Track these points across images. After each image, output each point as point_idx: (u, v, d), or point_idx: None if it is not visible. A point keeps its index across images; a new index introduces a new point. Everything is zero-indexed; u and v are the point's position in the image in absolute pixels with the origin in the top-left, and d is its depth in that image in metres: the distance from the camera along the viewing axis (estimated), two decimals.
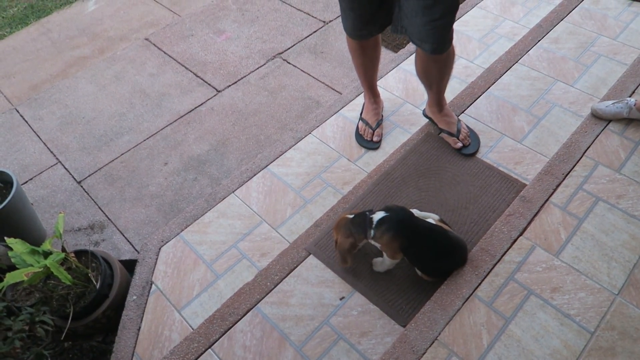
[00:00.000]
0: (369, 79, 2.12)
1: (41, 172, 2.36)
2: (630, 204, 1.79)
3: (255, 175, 2.13)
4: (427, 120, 2.20)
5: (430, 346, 1.49)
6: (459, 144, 2.05)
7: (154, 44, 3.04)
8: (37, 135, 2.54)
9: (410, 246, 1.58)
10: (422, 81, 2.01)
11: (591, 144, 1.99)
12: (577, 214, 1.77)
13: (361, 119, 2.22)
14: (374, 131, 2.16)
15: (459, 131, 2.06)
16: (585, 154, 1.96)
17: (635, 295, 1.56)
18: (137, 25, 3.24)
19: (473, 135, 2.10)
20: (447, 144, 2.11)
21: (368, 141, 2.16)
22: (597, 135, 2.02)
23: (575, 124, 2.11)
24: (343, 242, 1.62)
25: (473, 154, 2.05)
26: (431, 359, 1.46)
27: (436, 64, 1.84)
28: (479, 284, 1.62)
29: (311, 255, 1.80)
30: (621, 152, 1.95)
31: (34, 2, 3.54)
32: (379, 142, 2.17)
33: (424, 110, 2.20)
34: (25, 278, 1.50)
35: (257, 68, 2.81)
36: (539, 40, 2.56)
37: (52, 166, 2.38)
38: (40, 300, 1.63)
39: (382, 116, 2.25)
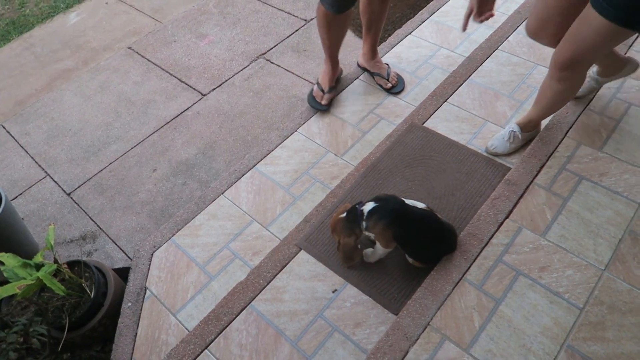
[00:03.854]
0: (334, 51, 2.29)
1: (30, 187, 2.36)
2: (613, 180, 1.81)
3: (243, 175, 2.15)
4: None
5: (423, 332, 1.50)
6: (389, 84, 2.37)
7: (137, 52, 3.04)
8: (25, 150, 2.54)
9: (403, 233, 1.59)
10: (365, 22, 2.27)
11: (572, 124, 2.01)
12: (561, 194, 1.80)
13: (317, 83, 2.41)
14: (323, 94, 2.35)
15: (389, 74, 2.38)
16: (567, 134, 1.98)
17: (622, 270, 1.58)
18: (119, 34, 3.25)
19: (400, 79, 2.42)
20: (432, 134, 2.13)
21: (318, 103, 2.37)
22: (578, 116, 2.04)
23: None
24: (347, 242, 1.63)
25: (400, 92, 2.39)
26: (424, 344, 1.48)
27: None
28: (468, 268, 1.64)
29: (302, 251, 1.82)
30: (602, 131, 1.98)
31: (15, 18, 3.53)
32: (328, 105, 2.37)
33: (357, 62, 2.51)
34: (18, 291, 1.50)
35: (241, 70, 2.82)
36: (518, 26, 2.58)
37: (41, 180, 2.39)
38: (35, 312, 1.64)
39: (335, 84, 2.42)
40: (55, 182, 2.37)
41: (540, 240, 1.68)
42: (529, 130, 1.99)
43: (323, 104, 2.34)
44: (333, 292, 1.70)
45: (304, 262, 1.79)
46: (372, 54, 2.42)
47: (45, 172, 2.43)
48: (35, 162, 2.48)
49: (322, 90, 2.34)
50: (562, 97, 1.78)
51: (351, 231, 1.62)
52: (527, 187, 1.83)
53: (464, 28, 1.58)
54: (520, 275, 1.60)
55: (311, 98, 2.38)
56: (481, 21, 1.57)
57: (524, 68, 2.37)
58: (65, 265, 1.75)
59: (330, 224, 1.70)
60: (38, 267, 1.64)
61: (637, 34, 2.21)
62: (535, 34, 1.73)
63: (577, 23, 1.49)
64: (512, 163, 1.99)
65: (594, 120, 2.03)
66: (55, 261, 1.71)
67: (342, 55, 2.81)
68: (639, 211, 1.72)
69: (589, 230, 1.69)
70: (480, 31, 2.65)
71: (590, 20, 1.41)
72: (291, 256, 1.80)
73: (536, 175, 1.86)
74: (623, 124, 2.00)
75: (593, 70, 2.04)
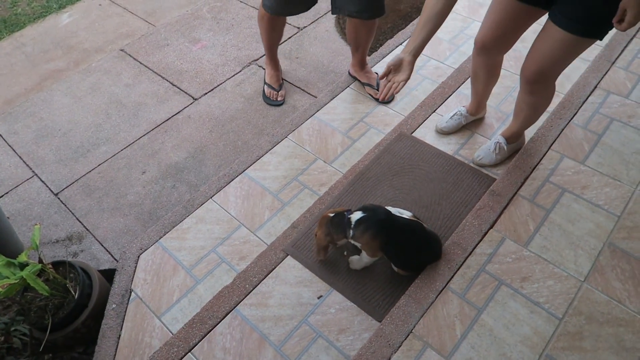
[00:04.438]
0: (273, 51, 2.56)
1: (17, 186, 2.35)
2: (595, 194, 1.86)
3: (232, 180, 2.16)
4: (403, 121, 2.29)
5: (405, 339, 1.52)
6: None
7: (130, 55, 3.05)
8: (13, 149, 2.53)
9: (389, 243, 1.61)
10: (352, 44, 2.42)
11: (557, 137, 2.06)
12: (544, 206, 1.84)
13: (266, 83, 2.66)
14: (278, 92, 2.62)
15: (378, 84, 2.44)
16: (551, 147, 2.03)
17: (600, 281, 1.62)
18: (112, 36, 3.25)
19: None
20: (420, 143, 2.17)
21: (274, 101, 2.63)
22: (562, 130, 2.09)
23: (541, 119, 2.18)
24: (321, 239, 1.66)
25: (390, 101, 2.44)
26: (406, 351, 1.50)
27: (366, 27, 2.26)
28: (452, 276, 1.66)
29: (289, 256, 1.83)
30: (585, 145, 2.03)
31: (6, 17, 3.52)
32: (283, 100, 2.64)
33: (349, 70, 2.59)
34: (1, 290, 1.49)
35: (233, 75, 2.84)
36: None
37: (28, 179, 2.37)
38: (17, 312, 1.62)
39: (283, 80, 2.71)
40: (43, 182, 2.36)
41: (523, 250, 1.71)
42: (514, 141, 2.04)
43: (279, 100, 2.62)
44: (318, 298, 1.71)
45: (290, 267, 1.80)
46: (361, 66, 2.51)
47: (33, 171, 2.41)
48: (23, 161, 2.47)
49: (274, 89, 2.63)
50: (538, 108, 1.85)
51: (328, 231, 1.64)
52: (512, 198, 1.87)
53: (382, 98, 1.53)
54: (502, 284, 1.63)
55: (266, 98, 2.65)
56: (383, 98, 1.53)
57: (510, 81, 2.42)
58: (50, 266, 1.74)
59: (320, 217, 1.72)
60: (22, 266, 1.63)
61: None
62: (487, 48, 1.80)
63: (540, 39, 1.58)
64: (498, 174, 2.03)
65: (577, 134, 2.07)
66: (40, 261, 1.71)
67: (333, 64, 2.85)
68: (618, 224, 1.77)
69: (570, 242, 1.73)
70: (470, 43, 2.71)
71: (553, 35, 1.50)
72: (278, 261, 1.81)
73: (520, 187, 1.90)
74: (605, 138, 2.05)
75: (462, 108, 2.18)
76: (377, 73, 2.50)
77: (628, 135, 2.05)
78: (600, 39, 1.45)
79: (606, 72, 2.34)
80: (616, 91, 2.24)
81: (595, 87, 2.27)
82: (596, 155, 1.99)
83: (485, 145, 2.08)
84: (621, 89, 2.26)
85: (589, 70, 2.37)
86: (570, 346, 1.48)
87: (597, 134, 2.06)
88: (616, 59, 2.40)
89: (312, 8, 2.28)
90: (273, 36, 2.43)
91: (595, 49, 2.53)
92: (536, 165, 1.97)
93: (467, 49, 2.68)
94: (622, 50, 2.45)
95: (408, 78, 1.50)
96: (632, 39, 2.52)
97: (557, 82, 2.36)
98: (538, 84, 1.67)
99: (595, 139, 2.04)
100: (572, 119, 2.14)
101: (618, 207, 1.81)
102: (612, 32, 2.60)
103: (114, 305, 1.79)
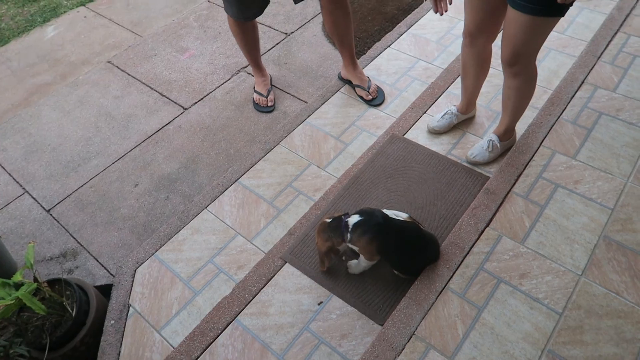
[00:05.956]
0: (254, 57, 2.56)
1: (8, 204, 2.32)
2: (587, 187, 1.88)
3: (226, 189, 2.15)
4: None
5: (408, 341, 1.52)
6: (370, 96, 2.44)
7: (117, 66, 3.03)
8: (2, 167, 2.49)
9: (387, 247, 1.61)
10: (335, 38, 2.39)
11: (547, 134, 2.08)
12: (538, 202, 1.85)
13: (255, 91, 2.66)
14: (266, 98, 2.61)
15: (369, 87, 2.45)
16: (543, 143, 2.05)
17: (598, 274, 1.64)
18: (98, 48, 3.22)
19: (380, 91, 2.49)
20: (412, 145, 2.17)
21: (264, 107, 2.62)
22: (552, 125, 2.11)
23: (531, 116, 2.20)
24: (321, 245, 1.66)
25: (380, 104, 2.45)
26: (410, 353, 1.50)
27: (342, 12, 2.24)
28: (451, 276, 1.67)
29: (287, 264, 1.82)
30: (575, 140, 2.05)
31: None
32: (273, 105, 2.63)
33: (339, 74, 2.60)
34: None
35: (223, 83, 2.83)
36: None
37: (19, 196, 2.34)
38: (14, 333, 1.60)
39: (271, 85, 2.71)
40: (34, 198, 2.33)
41: (520, 247, 1.72)
42: (506, 139, 2.05)
43: (269, 105, 2.62)
44: (319, 304, 1.71)
45: (289, 275, 1.79)
46: (353, 65, 2.48)
47: (24, 188, 2.38)
48: (13, 178, 2.43)
49: (262, 95, 2.62)
50: (523, 92, 1.87)
51: (328, 237, 1.64)
52: (506, 195, 1.88)
53: (435, 10, 1.66)
54: (501, 282, 1.64)
55: (256, 105, 2.64)
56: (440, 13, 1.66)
57: (499, 79, 2.42)
58: (46, 284, 1.71)
59: (317, 225, 1.72)
60: (17, 286, 1.60)
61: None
62: (473, 35, 1.86)
63: (506, 25, 1.63)
64: (491, 172, 2.04)
65: (567, 130, 2.10)
66: (35, 280, 1.68)
67: (322, 69, 2.85)
68: (612, 217, 1.79)
69: (566, 237, 1.74)
70: (457, 43, 2.72)
71: (515, 19, 1.56)
72: (276, 269, 1.81)
73: (514, 184, 1.92)
74: (595, 132, 2.07)
75: (453, 107, 2.21)
76: (368, 77, 2.50)
77: (617, 129, 2.08)
78: (562, 15, 1.50)
79: (592, 67, 2.37)
80: (603, 85, 2.27)
81: (583, 82, 2.29)
82: (587, 150, 2.01)
83: (478, 144, 2.10)
84: (608, 83, 2.28)
85: (575, 65, 2.40)
86: (572, 340, 1.49)
87: (586, 129, 2.09)
88: (602, 53, 2.43)
89: (299, 14, 2.29)
90: (246, 41, 2.43)
91: (581, 44, 2.56)
92: (528, 162, 1.99)
93: (455, 48, 2.69)
94: (607, 45, 2.48)
95: None
96: (616, 33, 2.55)
97: (544, 79, 2.40)
98: (517, 65, 1.72)
99: (585, 134, 2.07)
100: (561, 114, 2.16)
101: (611, 200, 1.83)
102: (597, 26, 2.64)
103: (112, 321, 1.77)
